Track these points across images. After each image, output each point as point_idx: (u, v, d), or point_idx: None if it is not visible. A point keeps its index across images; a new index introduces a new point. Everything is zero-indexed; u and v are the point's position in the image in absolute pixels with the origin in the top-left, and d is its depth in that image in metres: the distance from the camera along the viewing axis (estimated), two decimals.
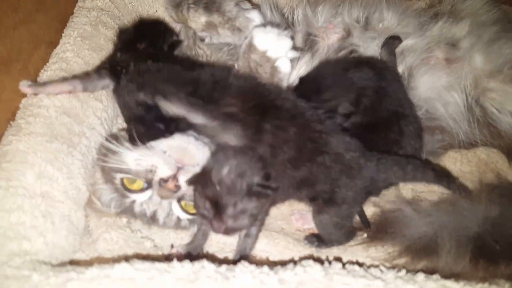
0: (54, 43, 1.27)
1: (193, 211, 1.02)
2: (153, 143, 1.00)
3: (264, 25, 1.15)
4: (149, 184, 1.01)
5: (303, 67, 1.30)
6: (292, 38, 1.12)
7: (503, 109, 1.23)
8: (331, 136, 0.97)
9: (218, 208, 0.88)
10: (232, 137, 0.93)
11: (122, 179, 1.02)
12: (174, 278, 0.73)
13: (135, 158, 1.00)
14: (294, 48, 1.15)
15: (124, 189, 1.03)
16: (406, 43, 1.31)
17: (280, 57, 1.10)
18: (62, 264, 0.88)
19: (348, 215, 1.03)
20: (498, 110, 1.23)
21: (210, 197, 0.89)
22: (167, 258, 1.00)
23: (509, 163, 1.29)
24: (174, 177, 0.98)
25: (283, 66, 1.11)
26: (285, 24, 1.35)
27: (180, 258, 0.90)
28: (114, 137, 1.10)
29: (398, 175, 1.00)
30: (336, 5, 1.36)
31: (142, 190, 1.02)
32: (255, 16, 1.21)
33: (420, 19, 1.35)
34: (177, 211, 1.04)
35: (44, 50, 1.23)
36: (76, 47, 1.26)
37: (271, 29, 1.10)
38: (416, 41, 1.31)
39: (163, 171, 0.98)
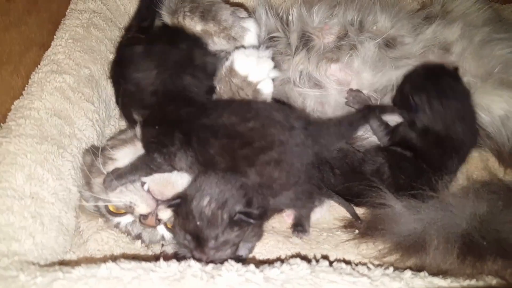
0: (46, 45, 1.27)
1: None
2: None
3: (244, 47, 1.14)
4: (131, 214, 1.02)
5: (299, 63, 1.30)
6: (273, 58, 1.12)
7: (491, 113, 1.23)
8: (267, 127, 0.95)
9: (199, 241, 0.87)
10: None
11: (106, 205, 1.03)
12: (160, 277, 0.73)
13: (117, 190, 0.99)
14: (276, 67, 1.14)
15: (108, 213, 1.04)
16: (402, 47, 1.31)
17: (261, 80, 1.09)
18: (52, 265, 0.88)
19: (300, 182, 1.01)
20: (486, 114, 1.23)
21: (190, 230, 0.88)
22: (157, 258, 1.00)
23: (499, 164, 1.29)
24: (154, 213, 0.98)
25: (265, 88, 1.09)
26: (280, 24, 1.35)
27: (168, 257, 0.91)
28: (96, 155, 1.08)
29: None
30: (331, 6, 1.36)
31: (125, 213, 1.03)
32: (250, 26, 1.19)
33: (413, 20, 1.35)
34: (162, 231, 1.04)
35: (36, 52, 1.24)
36: (68, 49, 1.26)
37: (251, 51, 1.09)
38: (410, 45, 1.31)
39: (141, 209, 0.98)
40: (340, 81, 1.30)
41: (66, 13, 1.41)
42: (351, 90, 1.25)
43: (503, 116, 1.23)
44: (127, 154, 1.05)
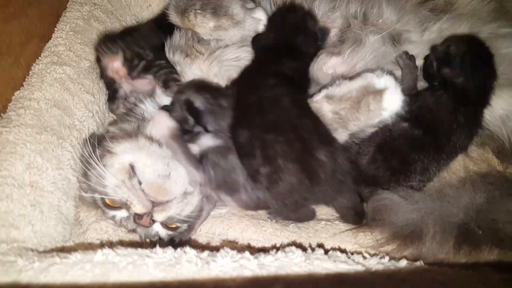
0: (46, 37, 1.28)
1: (173, 226, 1.04)
2: (135, 165, 1.01)
3: (400, 87, 1.07)
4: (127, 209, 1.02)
5: None
6: None
7: (492, 112, 1.21)
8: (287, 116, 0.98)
9: None
10: None
11: (102, 198, 1.03)
12: (155, 262, 0.74)
13: (115, 185, 1.00)
14: None
15: (104, 205, 1.04)
16: (407, 46, 1.28)
17: (381, 118, 1.08)
18: (50, 252, 0.89)
19: None
20: (487, 113, 1.20)
21: None
22: (154, 244, 1.01)
23: (499, 163, 1.28)
24: (149, 214, 0.98)
25: (372, 123, 1.09)
26: None
27: (165, 244, 0.92)
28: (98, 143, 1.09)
29: None
30: None
31: (120, 208, 1.03)
32: (261, 16, 1.20)
33: (420, 14, 1.32)
34: (157, 227, 1.05)
35: (36, 43, 1.25)
36: (68, 41, 1.27)
37: (401, 95, 1.05)
38: (416, 44, 1.28)
39: (137, 209, 0.98)
40: (339, 75, 1.25)
41: (67, 5, 1.42)
42: (406, 53, 1.21)
43: (503, 116, 1.22)
44: (127, 149, 1.04)
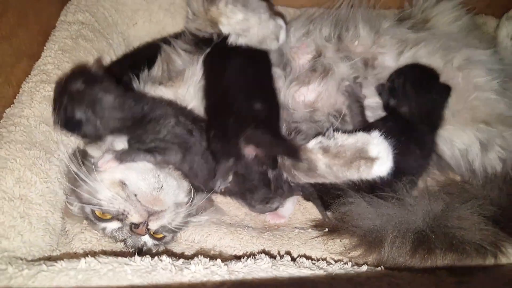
0: (36, 56, 1.35)
1: (160, 236, 1.11)
2: (127, 183, 1.04)
3: (392, 155, 1.07)
4: (120, 220, 1.07)
5: (282, 90, 1.32)
6: None
7: (453, 146, 1.27)
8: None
9: None
10: None
11: (93, 210, 1.07)
12: (133, 269, 0.82)
13: (109, 197, 1.03)
14: None
15: (94, 218, 1.08)
16: (379, 73, 1.34)
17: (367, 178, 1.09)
18: (38, 261, 0.96)
19: None
20: (448, 147, 1.27)
21: None
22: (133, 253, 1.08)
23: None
24: (145, 223, 1.04)
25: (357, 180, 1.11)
26: None
27: (143, 253, 0.99)
28: (83, 157, 1.12)
29: None
30: (307, 23, 1.41)
31: (111, 219, 1.07)
32: (282, 24, 1.25)
33: (398, 35, 1.37)
34: (145, 237, 1.10)
35: (27, 62, 1.31)
36: (57, 60, 1.33)
37: (391, 163, 1.06)
38: (391, 69, 1.31)
39: (134, 218, 1.03)
40: (308, 103, 1.33)
41: (56, 24, 1.48)
42: (351, 84, 1.29)
43: (462, 150, 1.27)
44: (114, 169, 1.06)
